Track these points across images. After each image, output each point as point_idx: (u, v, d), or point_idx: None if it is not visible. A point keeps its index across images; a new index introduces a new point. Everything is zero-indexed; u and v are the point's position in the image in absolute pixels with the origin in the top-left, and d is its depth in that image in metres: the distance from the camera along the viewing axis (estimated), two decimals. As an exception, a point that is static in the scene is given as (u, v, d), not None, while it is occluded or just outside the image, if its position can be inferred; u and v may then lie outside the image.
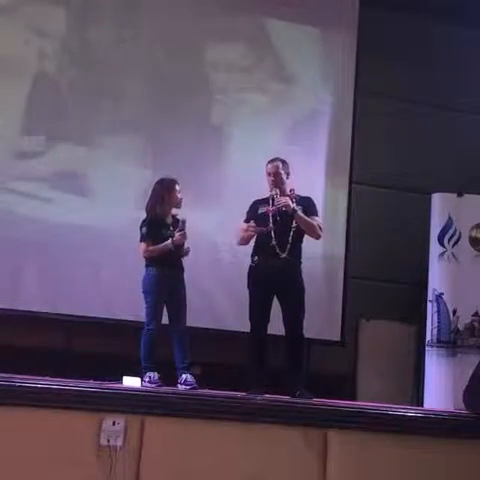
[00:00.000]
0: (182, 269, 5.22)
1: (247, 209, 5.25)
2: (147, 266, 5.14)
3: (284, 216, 5.03)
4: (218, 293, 6.56)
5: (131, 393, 4.27)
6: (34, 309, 6.12)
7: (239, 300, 6.35)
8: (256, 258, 5.07)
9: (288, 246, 4.99)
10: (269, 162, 5.21)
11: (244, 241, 5.16)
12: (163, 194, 5.19)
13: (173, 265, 5.14)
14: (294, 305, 5.04)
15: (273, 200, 5.06)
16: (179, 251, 5.11)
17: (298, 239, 5.08)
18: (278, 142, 6.86)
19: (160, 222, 5.15)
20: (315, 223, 5.12)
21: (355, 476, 4.22)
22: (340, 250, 6.95)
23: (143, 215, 5.20)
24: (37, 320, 6.09)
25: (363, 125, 7.23)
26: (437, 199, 6.63)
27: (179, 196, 5.20)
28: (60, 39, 6.56)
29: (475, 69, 7.57)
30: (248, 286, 5.11)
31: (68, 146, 6.45)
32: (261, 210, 5.11)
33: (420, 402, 6.47)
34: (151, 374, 4.93)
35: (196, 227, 6.20)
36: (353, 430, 4.28)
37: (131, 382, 4.68)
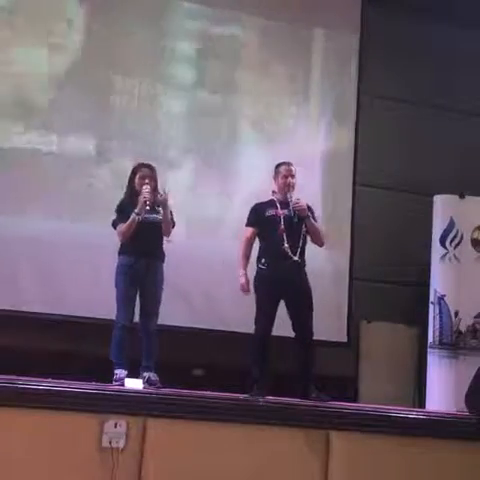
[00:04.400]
0: (159, 258, 5.09)
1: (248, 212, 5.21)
2: (119, 254, 5.05)
3: (295, 220, 5.01)
4: (221, 294, 6.55)
5: (133, 395, 4.28)
6: (35, 310, 6.13)
7: (242, 301, 6.38)
8: (264, 260, 5.04)
9: (298, 249, 4.99)
10: (282, 164, 5.19)
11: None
12: (132, 179, 5.15)
13: (147, 253, 5.01)
14: (305, 307, 5.03)
15: (281, 203, 5.04)
16: (146, 217, 4.96)
17: (305, 243, 5.09)
18: (281, 144, 6.88)
19: (129, 207, 5.04)
20: (322, 231, 5.16)
21: (357, 477, 4.22)
22: (345, 252, 6.95)
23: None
24: (39, 321, 6.09)
25: (366, 127, 7.23)
26: (439, 201, 6.62)
27: (141, 181, 5.07)
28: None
29: (477, 70, 7.56)
30: (255, 289, 5.05)
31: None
32: (269, 213, 5.08)
33: (422, 404, 6.46)
34: (118, 371, 4.84)
35: (199, 227, 6.24)
36: (355, 432, 4.29)
37: (133, 384, 4.67)
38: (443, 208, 6.57)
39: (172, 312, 5.76)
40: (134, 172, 5.18)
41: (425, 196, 6.85)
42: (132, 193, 5.12)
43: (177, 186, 6.09)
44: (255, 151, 6.87)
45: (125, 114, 6.66)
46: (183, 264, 6.16)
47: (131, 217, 4.97)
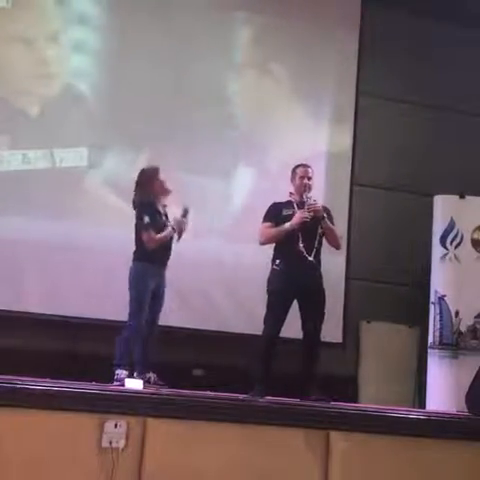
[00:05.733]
0: (166, 266, 5.19)
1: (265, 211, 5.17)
2: (135, 260, 5.07)
3: (311, 221, 5.00)
4: (221, 295, 6.55)
5: (133, 395, 4.28)
6: (36, 311, 6.13)
7: (242, 302, 6.38)
8: (279, 261, 5.02)
9: (314, 250, 5.00)
10: (299, 166, 5.21)
11: (269, 240, 5.08)
12: (151, 183, 5.16)
13: (161, 261, 5.12)
14: (317, 309, 5.04)
15: (298, 204, 5.05)
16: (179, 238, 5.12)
17: (321, 244, 5.10)
18: (280, 144, 6.88)
19: (155, 211, 5.11)
20: (338, 233, 5.17)
21: (357, 477, 4.22)
22: (341, 252, 6.93)
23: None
24: (38, 321, 6.09)
25: (364, 126, 7.23)
26: (439, 201, 6.61)
27: (164, 185, 5.17)
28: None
29: (477, 70, 7.56)
30: (269, 289, 5.02)
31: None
32: (286, 212, 5.07)
33: (422, 404, 6.46)
34: (119, 371, 4.85)
35: (200, 228, 6.22)
36: (355, 432, 4.28)
37: (133, 384, 4.67)
38: (443, 208, 6.57)
39: (172, 313, 5.77)
40: (155, 176, 5.19)
41: (425, 196, 6.86)
42: (154, 196, 5.15)
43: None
44: (255, 151, 6.88)
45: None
46: (183, 265, 6.16)
47: (168, 231, 5.08)
